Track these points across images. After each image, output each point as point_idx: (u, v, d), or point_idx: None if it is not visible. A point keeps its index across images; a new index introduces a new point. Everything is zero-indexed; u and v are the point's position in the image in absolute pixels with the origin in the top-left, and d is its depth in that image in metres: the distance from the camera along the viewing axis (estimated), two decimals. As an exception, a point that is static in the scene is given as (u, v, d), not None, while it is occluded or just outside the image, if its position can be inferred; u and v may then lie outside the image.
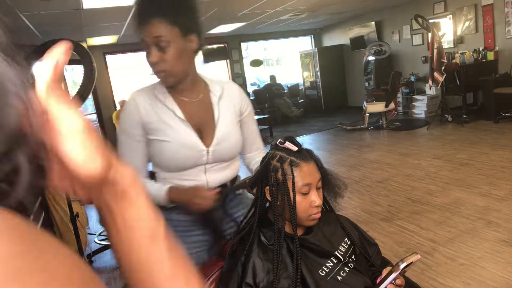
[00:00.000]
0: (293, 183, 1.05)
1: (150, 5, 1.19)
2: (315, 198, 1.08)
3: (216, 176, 1.34)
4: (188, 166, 1.30)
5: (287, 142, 1.10)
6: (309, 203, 1.07)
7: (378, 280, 1.04)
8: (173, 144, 1.26)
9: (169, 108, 1.28)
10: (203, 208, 1.24)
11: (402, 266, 0.96)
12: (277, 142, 1.12)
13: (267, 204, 1.13)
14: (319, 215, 1.10)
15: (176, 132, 1.27)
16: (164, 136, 1.26)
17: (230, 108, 1.36)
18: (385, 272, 1.06)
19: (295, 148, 1.09)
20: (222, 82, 1.40)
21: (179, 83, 1.28)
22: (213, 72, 10.49)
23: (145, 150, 1.30)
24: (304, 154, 1.10)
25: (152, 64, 1.21)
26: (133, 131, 1.28)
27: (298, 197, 1.06)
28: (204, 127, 1.31)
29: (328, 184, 1.16)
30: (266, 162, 1.10)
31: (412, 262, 0.97)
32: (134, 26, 1.21)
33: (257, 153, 1.49)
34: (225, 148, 1.33)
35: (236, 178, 1.43)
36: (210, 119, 1.32)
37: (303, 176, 1.06)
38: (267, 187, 1.09)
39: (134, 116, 1.27)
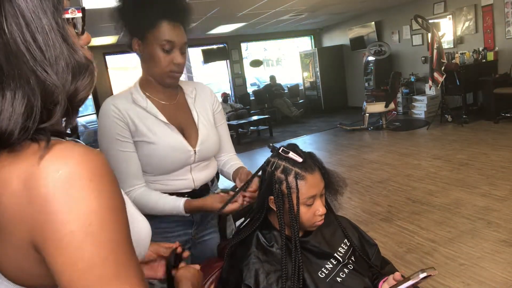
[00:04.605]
0: (298, 197, 1.04)
1: (179, 11, 1.24)
2: (319, 207, 1.07)
3: (201, 174, 1.36)
4: (176, 167, 1.30)
5: (291, 153, 1.06)
6: (313, 212, 1.07)
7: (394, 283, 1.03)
8: (161, 148, 1.26)
9: (150, 113, 1.27)
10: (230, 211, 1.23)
11: (421, 275, 0.94)
12: (280, 151, 1.08)
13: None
14: (322, 222, 1.09)
15: (162, 136, 1.26)
16: (151, 140, 1.25)
17: (205, 107, 1.40)
18: (394, 276, 1.06)
19: (300, 160, 1.05)
20: (193, 83, 1.45)
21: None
22: (213, 72, 10.51)
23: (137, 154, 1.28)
24: (309, 164, 1.06)
25: (177, 65, 1.25)
26: (124, 135, 1.25)
27: (303, 208, 1.05)
28: (186, 128, 1.32)
29: (329, 183, 1.14)
30: (270, 173, 1.07)
31: (430, 275, 0.95)
32: (152, 25, 1.21)
33: (229, 156, 1.50)
34: (209, 147, 1.36)
35: (214, 178, 1.45)
36: (190, 120, 1.34)
37: (308, 188, 1.05)
38: (271, 197, 1.08)
39: (120, 120, 1.24)
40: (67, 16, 0.53)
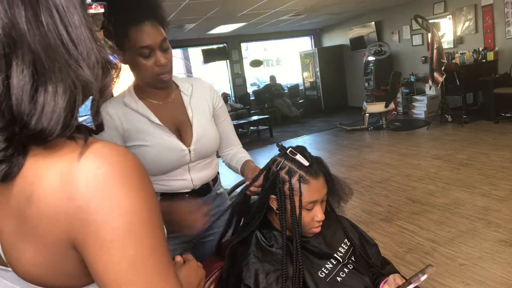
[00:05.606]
0: (300, 199, 1.04)
1: (143, 10, 1.16)
2: (318, 213, 1.07)
3: (200, 175, 1.34)
4: (172, 168, 1.29)
5: (298, 155, 1.06)
6: (311, 217, 1.06)
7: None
8: (155, 149, 1.24)
9: (142, 115, 1.25)
10: (195, 230, 1.19)
11: (422, 278, 0.94)
12: (288, 151, 1.08)
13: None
14: (319, 229, 1.09)
15: (155, 138, 1.25)
16: (143, 143, 1.24)
17: (203, 104, 1.36)
18: (395, 278, 1.06)
19: (306, 163, 1.05)
20: (190, 80, 1.41)
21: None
22: (213, 72, 10.50)
23: None
24: (315, 169, 1.06)
25: (162, 67, 1.20)
26: None
27: (302, 212, 1.05)
28: (181, 127, 1.30)
29: (332, 190, 1.14)
30: (275, 172, 1.07)
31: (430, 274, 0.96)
32: (123, 35, 1.15)
33: (235, 149, 1.48)
34: (205, 145, 1.33)
35: (216, 177, 1.44)
36: (185, 119, 1.32)
37: (310, 193, 1.04)
38: (272, 196, 1.08)
39: (111, 130, 1.23)
40: (91, 11, 0.53)
